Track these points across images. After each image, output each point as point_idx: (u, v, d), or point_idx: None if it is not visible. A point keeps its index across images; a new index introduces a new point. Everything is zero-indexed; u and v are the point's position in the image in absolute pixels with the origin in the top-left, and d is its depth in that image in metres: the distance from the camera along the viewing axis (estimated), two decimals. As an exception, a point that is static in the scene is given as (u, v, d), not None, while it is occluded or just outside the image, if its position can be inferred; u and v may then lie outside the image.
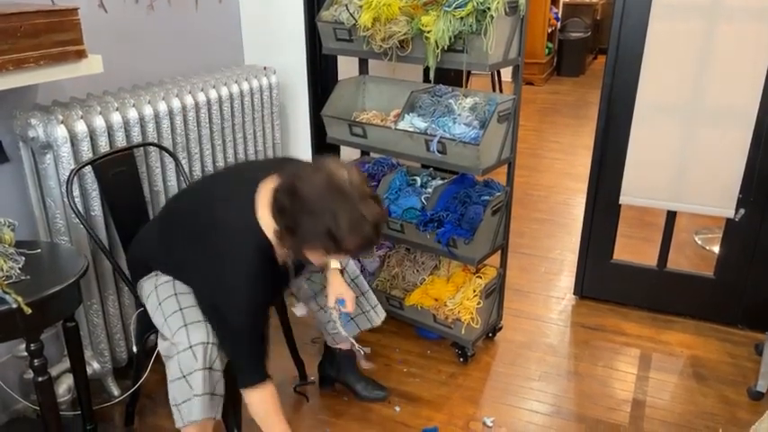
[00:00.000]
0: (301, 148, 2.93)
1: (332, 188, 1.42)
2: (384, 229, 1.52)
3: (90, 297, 2.03)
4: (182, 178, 2.24)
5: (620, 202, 2.53)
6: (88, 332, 2.08)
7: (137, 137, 2.09)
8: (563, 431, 2.07)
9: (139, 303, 1.89)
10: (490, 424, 2.10)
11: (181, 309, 1.64)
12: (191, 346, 1.56)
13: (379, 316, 2.14)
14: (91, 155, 1.93)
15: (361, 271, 2.43)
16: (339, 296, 1.86)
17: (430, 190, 2.44)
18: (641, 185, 2.55)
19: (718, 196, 2.45)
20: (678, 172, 2.47)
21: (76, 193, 1.91)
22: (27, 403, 2.00)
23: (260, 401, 1.63)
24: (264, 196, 1.55)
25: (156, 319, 1.69)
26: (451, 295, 2.41)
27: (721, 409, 2.14)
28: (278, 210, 1.47)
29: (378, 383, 2.25)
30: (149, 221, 1.97)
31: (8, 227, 1.62)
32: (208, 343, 1.58)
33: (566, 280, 3.03)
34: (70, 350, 1.78)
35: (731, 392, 2.24)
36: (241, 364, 1.61)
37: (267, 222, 1.54)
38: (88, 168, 1.92)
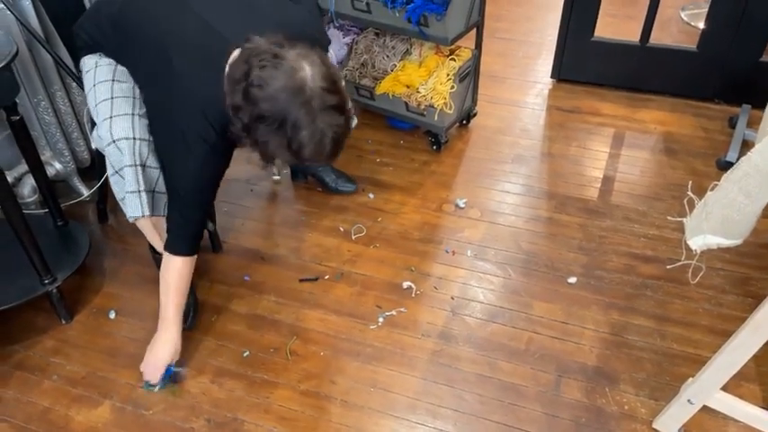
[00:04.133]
0: None
1: (292, 92, 1.21)
2: (346, 142, 1.33)
3: (35, 94, 1.90)
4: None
5: (605, -29, 2.33)
6: (42, 132, 1.98)
7: None
8: (533, 208, 2.12)
9: (89, 97, 1.76)
10: (462, 205, 2.14)
11: (112, 97, 1.48)
12: (114, 141, 1.44)
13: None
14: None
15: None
16: None
17: (398, -38, 2.19)
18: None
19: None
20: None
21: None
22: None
23: (175, 270, 1.53)
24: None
25: (89, 100, 1.54)
26: (424, 80, 2.30)
27: (688, 180, 2.17)
28: (231, 106, 1.26)
29: (348, 176, 2.23)
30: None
31: None
32: (133, 138, 1.44)
33: (544, 64, 2.91)
34: (22, 146, 1.69)
35: (700, 164, 2.27)
36: (177, 228, 1.51)
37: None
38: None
